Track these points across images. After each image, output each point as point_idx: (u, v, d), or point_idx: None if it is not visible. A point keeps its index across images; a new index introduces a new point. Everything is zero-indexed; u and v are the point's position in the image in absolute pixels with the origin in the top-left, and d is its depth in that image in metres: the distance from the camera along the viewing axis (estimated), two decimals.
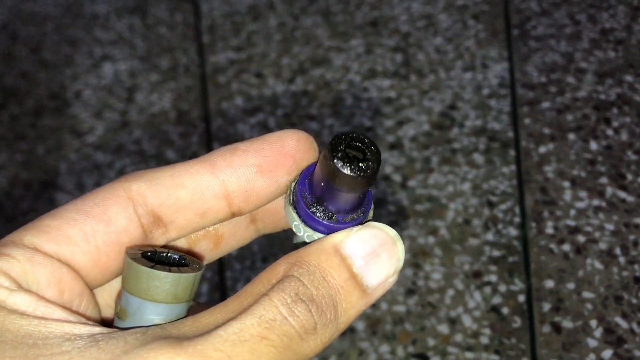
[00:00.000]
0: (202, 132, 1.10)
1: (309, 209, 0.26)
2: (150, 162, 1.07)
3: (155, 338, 0.21)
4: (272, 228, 0.30)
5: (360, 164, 0.24)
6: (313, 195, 0.26)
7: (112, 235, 0.25)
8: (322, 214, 0.26)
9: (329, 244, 0.25)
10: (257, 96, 1.15)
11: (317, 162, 0.26)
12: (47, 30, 1.33)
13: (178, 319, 0.25)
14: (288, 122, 1.09)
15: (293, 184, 0.27)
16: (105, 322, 0.27)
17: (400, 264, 0.26)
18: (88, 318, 0.25)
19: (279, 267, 0.24)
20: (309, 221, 0.26)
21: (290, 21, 1.27)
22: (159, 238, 0.27)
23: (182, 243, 0.28)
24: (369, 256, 0.25)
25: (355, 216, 0.26)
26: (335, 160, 0.24)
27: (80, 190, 1.05)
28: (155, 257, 0.26)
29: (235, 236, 0.30)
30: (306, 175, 0.27)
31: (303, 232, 0.27)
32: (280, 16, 1.28)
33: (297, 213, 0.27)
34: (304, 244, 0.26)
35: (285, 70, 1.18)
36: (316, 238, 0.26)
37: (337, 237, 0.25)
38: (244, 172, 0.27)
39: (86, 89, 1.21)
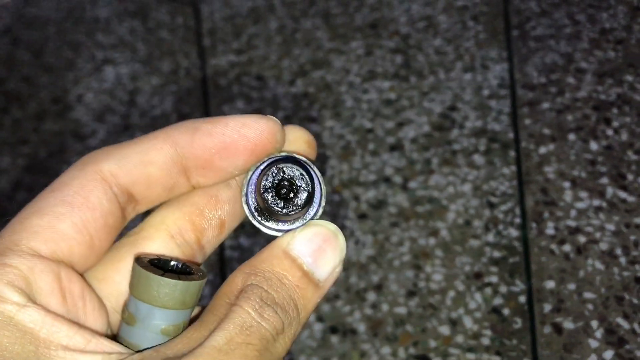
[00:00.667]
0: None
1: (256, 214, 0.28)
2: None
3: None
4: (236, 224, 0.32)
5: (290, 198, 0.27)
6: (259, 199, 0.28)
7: (100, 220, 0.26)
8: (267, 218, 0.28)
9: (278, 249, 0.26)
10: (257, 98, 1.15)
11: (267, 161, 0.28)
12: (49, 34, 1.34)
13: (174, 336, 0.26)
14: (289, 124, 1.09)
15: (248, 175, 0.28)
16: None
17: (344, 253, 0.27)
18: (94, 327, 0.26)
19: (237, 279, 0.26)
20: (258, 220, 0.28)
21: (290, 23, 1.27)
22: (131, 213, 0.28)
23: (189, 236, 0.29)
24: (315, 253, 0.26)
25: (300, 215, 0.28)
26: (265, 197, 0.27)
27: None
28: (161, 264, 0.27)
29: (234, 216, 0.31)
30: (259, 172, 0.28)
31: (256, 224, 0.29)
32: (280, 19, 1.28)
33: (248, 207, 0.28)
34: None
35: (286, 72, 1.18)
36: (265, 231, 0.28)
37: (284, 240, 0.27)
38: (202, 153, 0.27)
39: (88, 92, 1.22)
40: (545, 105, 1.04)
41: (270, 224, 0.28)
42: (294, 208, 0.27)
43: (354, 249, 0.90)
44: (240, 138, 0.27)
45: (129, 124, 1.15)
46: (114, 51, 1.29)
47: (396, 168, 1.00)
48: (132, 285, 0.26)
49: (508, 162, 0.98)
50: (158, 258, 0.27)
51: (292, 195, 0.27)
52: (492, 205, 0.93)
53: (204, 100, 1.16)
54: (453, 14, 1.23)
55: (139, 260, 0.26)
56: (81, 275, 0.26)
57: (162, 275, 0.25)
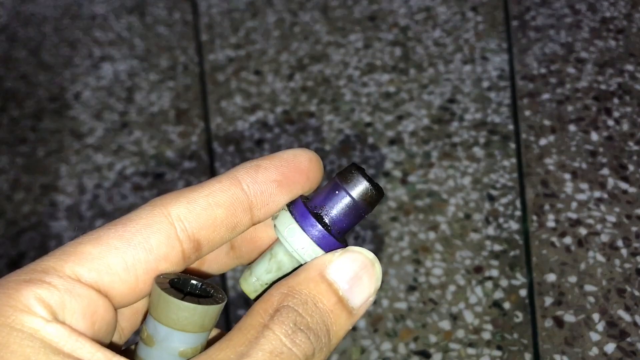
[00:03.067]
0: (201, 131, 1.10)
1: (310, 217, 0.28)
2: (150, 163, 1.07)
3: None
4: (247, 258, 0.32)
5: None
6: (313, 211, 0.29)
7: (152, 263, 0.26)
8: (321, 224, 0.28)
9: (315, 271, 0.26)
10: (256, 94, 1.14)
11: (302, 197, 0.29)
12: (46, 31, 1.33)
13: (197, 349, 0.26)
14: (287, 119, 1.08)
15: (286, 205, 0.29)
16: (114, 345, 0.28)
17: (379, 283, 0.28)
18: (114, 345, 0.27)
19: (273, 298, 0.26)
20: (305, 225, 0.28)
21: (288, 17, 1.26)
22: (193, 256, 0.28)
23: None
24: (352, 280, 0.27)
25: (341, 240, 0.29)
26: (360, 174, 0.28)
27: (81, 192, 1.05)
28: (180, 283, 0.27)
29: (216, 261, 0.31)
30: (300, 204, 0.29)
31: (294, 237, 0.28)
32: (278, 12, 1.27)
33: (294, 217, 0.28)
34: (287, 257, 0.29)
35: (284, 66, 1.17)
36: (305, 247, 0.28)
37: (320, 263, 0.27)
38: (267, 188, 0.28)
39: (85, 90, 1.21)
40: (546, 96, 1.03)
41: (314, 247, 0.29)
42: (377, 191, 0.28)
43: (354, 245, 0.89)
44: (296, 167, 0.29)
45: (127, 121, 1.15)
46: (112, 48, 1.28)
47: (395, 162, 0.99)
48: (152, 306, 0.26)
49: (508, 155, 0.97)
50: (178, 277, 0.27)
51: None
52: (492, 198, 0.92)
53: (202, 96, 1.16)
54: (452, 5, 1.22)
55: (159, 280, 0.26)
56: (115, 309, 0.26)
57: (182, 298, 0.25)
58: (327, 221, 0.28)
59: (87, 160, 1.10)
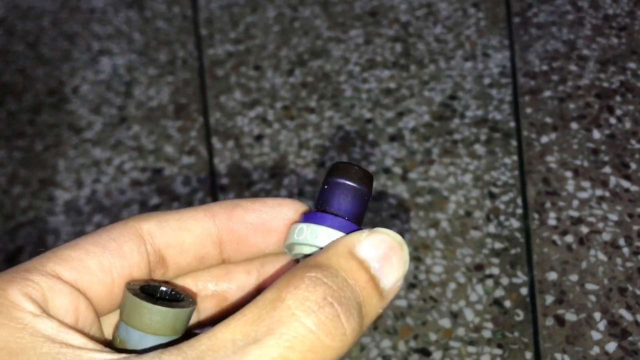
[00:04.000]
0: (200, 126, 1.09)
1: (321, 213, 0.28)
2: (148, 158, 1.06)
3: None
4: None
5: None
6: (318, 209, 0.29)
7: (126, 269, 0.27)
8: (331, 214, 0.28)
9: (344, 248, 0.25)
10: (255, 89, 1.13)
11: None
12: (44, 25, 1.32)
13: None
14: (287, 114, 1.08)
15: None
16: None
17: (407, 267, 0.26)
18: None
19: (297, 271, 0.24)
20: (316, 219, 0.27)
21: (288, 12, 1.25)
22: (158, 277, 0.29)
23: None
24: (382, 259, 0.25)
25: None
26: (343, 163, 0.28)
27: (79, 187, 1.04)
28: (151, 289, 0.28)
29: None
30: (304, 214, 0.29)
31: (307, 233, 0.27)
32: (278, 7, 1.27)
33: (306, 220, 0.28)
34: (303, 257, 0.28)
35: (284, 62, 1.17)
36: (323, 235, 0.27)
37: (349, 241, 0.25)
38: (239, 227, 0.29)
39: (84, 84, 1.20)
40: (547, 93, 1.02)
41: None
42: (364, 172, 0.29)
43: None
44: (277, 215, 0.29)
45: (126, 116, 1.14)
46: (110, 42, 1.27)
47: (396, 159, 0.98)
48: (124, 311, 0.27)
49: (509, 152, 0.97)
50: (148, 284, 0.28)
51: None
52: (493, 196, 0.92)
53: (202, 90, 1.15)
54: (453, 1, 1.21)
55: (129, 286, 0.27)
56: (96, 313, 0.27)
57: (154, 303, 0.26)
58: (336, 213, 0.28)
59: (85, 155, 1.09)
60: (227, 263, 0.30)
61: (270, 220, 0.29)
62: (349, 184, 0.27)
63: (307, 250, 0.27)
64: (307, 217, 0.28)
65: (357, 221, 0.28)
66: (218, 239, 0.29)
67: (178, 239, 0.28)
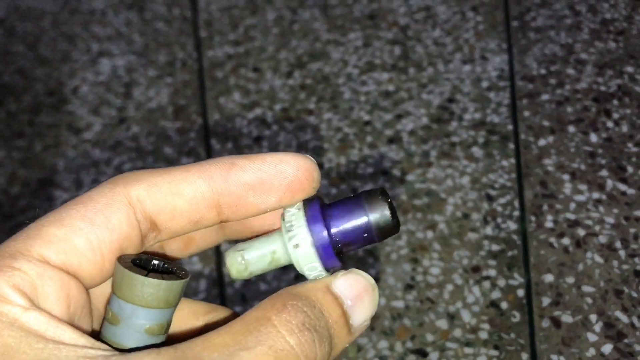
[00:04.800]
0: (199, 128, 1.10)
1: (320, 224, 0.27)
2: (147, 159, 1.07)
3: None
4: (237, 235, 0.32)
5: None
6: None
7: (116, 242, 0.26)
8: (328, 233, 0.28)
9: (321, 284, 0.27)
10: (254, 91, 1.14)
11: (320, 202, 0.28)
12: (44, 26, 1.33)
13: (163, 331, 0.26)
14: (286, 116, 1.08)
15: (298, 216, 0.28)
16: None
17: (375, 309, 0.28)
18: (91, 331, 0.27)
19: (280, 297, 0.25)
20: (314, 228, 0.27)
21: (288, 14, 1.26)
22: (151, 241, 0.28)
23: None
24: (355, 298, 0.27)
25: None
26: (386, 201, 0.27)
27: (78, 187, 1.05)
28: (142, 263, 0.27)
29: (205, 239, 0.31)
30: (316, 206, 0.28)
31: (297, 235, 0.27)
32: (278, 9, 1.27)
33: (306, 216, 0.28)
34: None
35: (283, 64, 1.17)
36: (297, 250, 0.27)
37: (326, 279, 0.27)
38: (237, 189, 0.27)
39: (83, 85, 1.21)
40: (545, 97, 1.03)
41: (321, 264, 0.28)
42: (395, 224, 0.28)
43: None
44: (277, 174, 0.27)
45: (125, 117, 1.14)
46: (110, 43, 1.27)
47: (394, 161, 0.99)
48: (116, 285, 0.26)
49: (507, 155, 0.97)
50: (139, 257, 0.27)
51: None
52: (490, 198, 0.92)
53: (201, 92, 1.15)
54: (452, 5, 1.21)
55: (121, 260, 0.26)
56: (86, 290, 0.26)
57: (145, 275, 0.26)
58: (335, 232, 0.27)
59: (84, 155, 1.09)
60: (225, 223, 0.29)
61: (270, 179, 0.27)
62: (371, 227, 0.27)
63: (286, 242, 0.28)
64: (312, 217, 0.27)
65: (345, 252, 0.28)
66: (214, 202, 0.27)
67: (170, 205, 0.27)
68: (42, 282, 0.24)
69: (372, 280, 0.27)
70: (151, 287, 0.25)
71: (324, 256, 0.27)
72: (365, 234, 0.27)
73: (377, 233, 0.27)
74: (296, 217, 0.28)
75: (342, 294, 0.26)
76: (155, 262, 0.27)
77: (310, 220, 0.27)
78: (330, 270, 0.28)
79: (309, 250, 0.27)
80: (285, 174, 0.27)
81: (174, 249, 0.30)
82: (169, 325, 0.27)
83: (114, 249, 0.26)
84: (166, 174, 0.27)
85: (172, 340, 0.26)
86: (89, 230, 0.25)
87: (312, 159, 0.28)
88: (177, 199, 0.27)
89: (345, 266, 0.28)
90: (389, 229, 0.27)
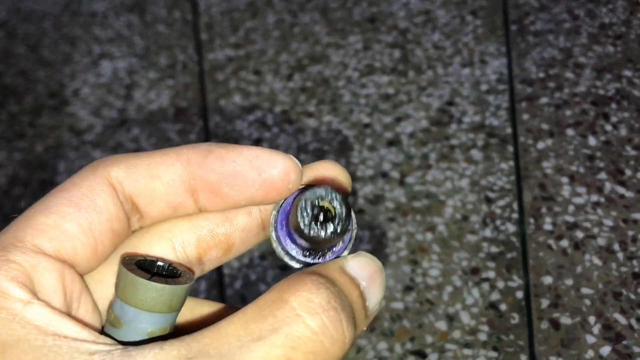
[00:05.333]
0: (200, 130, 1.10)
1: (286, 248, 0.27)
2: None
3: (177, 358, 0.21)
4: None
5: (326, 223, 0.25)
6: (289, 233, 0.27)
7: (105, 223, 0.25)
8: (297, 251, 0.27)
9: (335, 265, 0.25)
10: (255, 93, 1.14)
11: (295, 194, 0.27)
12: (45, 28, 1.33)
13: (171, 327, 0.26)
14: (286, 119, 1.09)
15: (274, 212, 0.27)
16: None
17: (384, 292, 0.26)
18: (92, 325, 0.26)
19: (299, 276, 0.23)
20: (288, 256, 0.27)
21: (288, 18, 1.26)
22: (136, 224, 0.27)
23: (191, 251, 0.28)
24: (369, 279, 0.25)
25: (335, 250, 0.27)
26: (300, 220, 0.24)
27: None
28: (147, 264, 0.26)
29: (245, 243, 0.29)
30: (286, 210, 0.27)
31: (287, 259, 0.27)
32: (278, 13, 1.28)
33: (279, 243, 0.27)
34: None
35: (283, 67, 1.18)
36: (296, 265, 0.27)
37: (339, 260, 0.25)
38: (211, 177, 0.26)
39: (84, 86, 1.21)
40: (544, 100, 1.04)
41: (300, 257, 0.27)
42: (331, 236, 0.25)
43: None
44: (250, 169, 0.26)
45: (126, 119, 1.14)
46: (111, 45, 1.28)
47: (394, 163, 0.99)
48: (119, 287, 0.26)
49: (506, 157, 0.98)
50: (144, 259, 0.26)
51: (329, 224, 0.25)
52: (489, 201, 0.93)
53: (201, 94, 1.16)
54: (451, 9, 1.22)
55: (125, 262, 0.26)
56: (81, 276, 0.26)
57: (149, 278, 0.25)
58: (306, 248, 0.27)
59: (85, 157, 1.10)
60: (205, 212, 0.28)
61: (243, 173, 0.26)
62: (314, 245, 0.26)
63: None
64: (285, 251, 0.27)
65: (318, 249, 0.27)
66: (191, 187, 0.26)
67: (148, 187, 0.26)
68: (38, 273, 0.23)
69: (380, 263, 0.26)
70: (155, 291, 0.25)
71: (297, 260, 0.27)
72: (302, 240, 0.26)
73: (306, 240, 0.26)
74: (273, 219, 0.27)
75: (357, 275, 0.25)
76: (160, 264, 0.27)
77: (278, 227, 0.27)
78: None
79: (283, 255, 0.27)
80: (259, 171, 0.26)
81: (213, 257, 0.29)
82: (172, 329, 0.26)
83: (104, 230, 0.25)
84: (145, 157, 0.26)
85: (182, 330, 0.26)
86: (77, 215, 0.24)
87: (294, 159, 0.27)
88: (155, 182, 0.26)
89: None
90: (313, 239, 0.25)
